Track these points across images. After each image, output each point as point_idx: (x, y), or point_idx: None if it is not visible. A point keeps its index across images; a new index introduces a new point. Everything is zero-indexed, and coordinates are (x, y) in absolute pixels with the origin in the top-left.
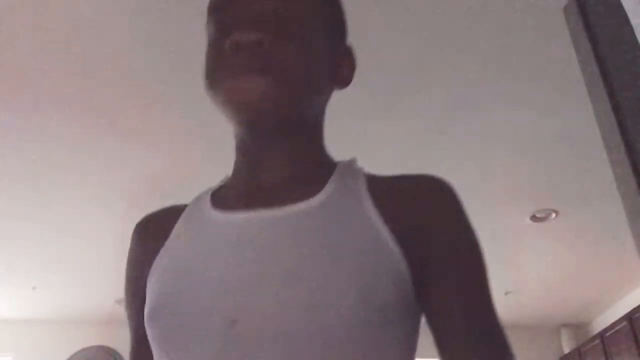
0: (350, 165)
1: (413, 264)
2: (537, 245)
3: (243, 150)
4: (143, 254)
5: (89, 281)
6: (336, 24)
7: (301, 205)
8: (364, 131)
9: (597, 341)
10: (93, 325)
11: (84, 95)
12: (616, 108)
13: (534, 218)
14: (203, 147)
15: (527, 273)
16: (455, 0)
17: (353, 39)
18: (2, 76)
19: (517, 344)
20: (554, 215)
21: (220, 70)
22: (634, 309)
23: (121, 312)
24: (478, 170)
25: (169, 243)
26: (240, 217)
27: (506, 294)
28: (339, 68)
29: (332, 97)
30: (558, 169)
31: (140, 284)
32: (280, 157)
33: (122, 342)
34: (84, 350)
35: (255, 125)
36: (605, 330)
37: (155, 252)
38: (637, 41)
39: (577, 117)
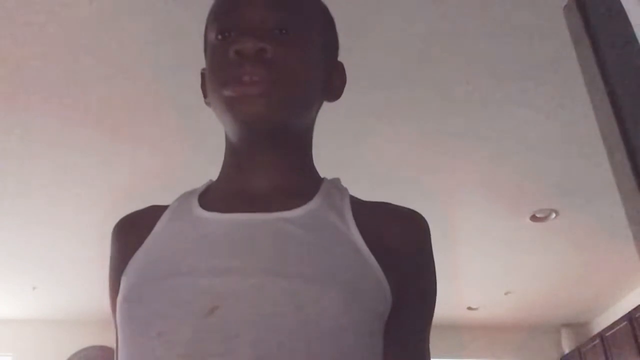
0: (336, 183)
1: (391, 286)
2: (537, 245)
3: (234, 154)
4: (123, 251)
5: (89, 281)
6: (330, 40)
7: (289, 213)
8: (363, 130)
9: (597, 341)
10: (93, 325)
11: (85, 98)
12: (616, 108)
13: (534, 218)
14: (205, 148)
15: (527, 273)
16: (455, 1)
17: (352, 38)
18: (7, 75)
19: (517, 344)
20: (554, 215)
21: (225, 76)
22: (634, 309)
23: None
24: (478, 170)
25: (151, 237)
26: (228, 216)
27: (506, 294)
28: (331, 82)
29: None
30: (558, 169)
31: (119, 281)
32: (271, 164)
33: None
34: (84, 350)
35: (253, 128)
36: (605, 330)
37: (135, 248)
38: (637, 41)
39: (577, 117)
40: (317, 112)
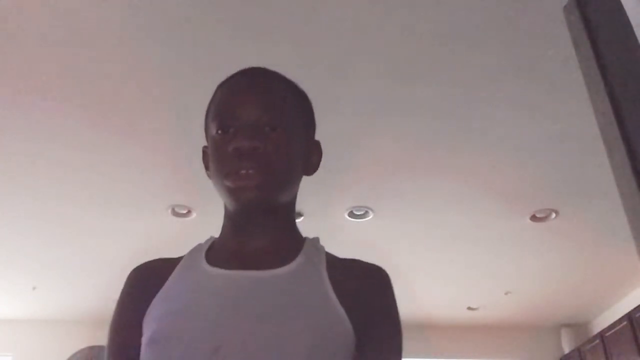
0: (315, 243)
1: (355, 330)
2: (537, 245)
3: (232, 219)
4: (140, 295)
5: (89, 281)
6: (309, 124)
7: (276, 271)
8: (363, 130)
9: (597, 341)
10: (93, 325)
11: (86, 93)
12: (616, 108)
13: (534, 218)
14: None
15: (527, 273)
16: (454, 0)
17: (353, 39)
18: (7, 74)
19: (517, 344)
20: (554, 215)
21: (226, 169)
22: (634, 309)
23: None
24: (478, 170)
25: (166, 287)
26: (229, 273)
27: (506, 294)
28: (310, 159)
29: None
30: (558, 169)
31: (134, 318)
32: (262, 229)
33: None
34: (83, 350)
35: (249, 208)
36: (605, 330)
37: (152, 293)
38: (637, 41)
39: (577, 117)
40: (298, 185)
